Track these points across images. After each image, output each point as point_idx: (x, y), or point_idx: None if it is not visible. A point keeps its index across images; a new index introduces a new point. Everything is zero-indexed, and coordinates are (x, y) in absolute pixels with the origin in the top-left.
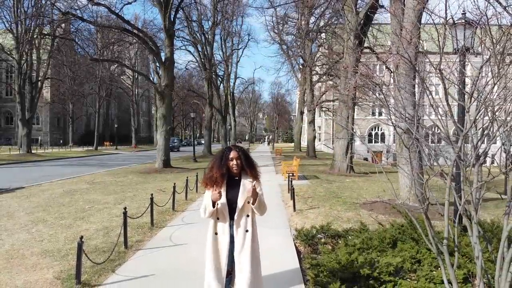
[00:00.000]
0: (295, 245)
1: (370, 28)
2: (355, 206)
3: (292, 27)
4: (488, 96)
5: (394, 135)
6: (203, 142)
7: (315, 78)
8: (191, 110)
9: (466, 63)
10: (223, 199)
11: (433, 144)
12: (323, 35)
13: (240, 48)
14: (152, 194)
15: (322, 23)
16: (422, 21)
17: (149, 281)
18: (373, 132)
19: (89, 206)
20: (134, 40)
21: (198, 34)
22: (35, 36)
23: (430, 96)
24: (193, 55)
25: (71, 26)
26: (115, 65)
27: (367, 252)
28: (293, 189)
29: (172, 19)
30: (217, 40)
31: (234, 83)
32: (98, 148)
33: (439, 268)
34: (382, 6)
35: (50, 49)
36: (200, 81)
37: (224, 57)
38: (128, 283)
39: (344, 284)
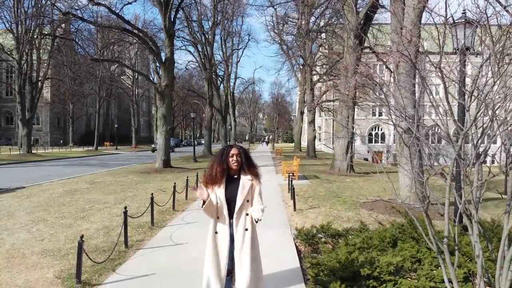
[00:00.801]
0: (295, 244)
1: (370, 28)
2: (355, 205)
3: (292, 27)
4: (488, 94)
5: (394, 135)
6: (203, 142)
7: (315, 78)
8: (191, 110)
9: (466, 62)
10: (222, 198)
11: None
12: (323, 35)
13: (240, 48)
14: (152, 194)
15: (322, 23)
16: (423, 21)
17: (150, 280)
18: (373, 132)
19: (90, 206)
20: (134, 40)
21: (198, 34)
22: (35, 36)
23: (430, 96)
24: (193, 55)
25: (71, 26)
26: (115, 65)
27: (367, 251)
28: (294, 188)
29: (172, 19)
30: (217, 40)
31: (234, 83)
32: (98, 148)
33: (440, 267)
34: (382, 6)
35: (50, 49)
36: (200, 81)
37: (224, 57)
38: (128, 282)
39: (344, 283)
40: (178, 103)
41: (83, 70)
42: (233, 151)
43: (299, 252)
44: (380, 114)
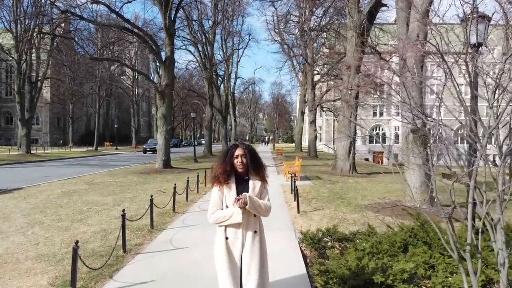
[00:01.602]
0: (300, 248)
1: (373, 28)
2: (360, 207)
3: (293, 26)
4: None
5: (403, 135)
6: (203, 142)
7: (316, 77)
8: (192, 110)
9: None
10: (234, 199)
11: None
12: (324, 34)
13: (241, 48)
14: (152, 196)
15: (323, 23)
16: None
17: (149, 287)
18: (374, 132)
19: (88, 208)
20: (134, 39)
21: (198, 34)
22: (34, 35)
23: (452, 92)
24: (194, 55)
25: (70, 25)
26: (115, 65)
27: (377, 256)
28: (297, 190)
29: (172, 18)
30: (217, 40)
31: (235, 83)
32: (98, 148)
33: (455, 274)
34: (385, 5)
35: (49, 48)
36: (200, 81)
37: (225, 57)
38: None
39: None
40: (179, 103)
41: (82, 70)
42: (238, 151)
43: (304, 257)
44: (381, 114)
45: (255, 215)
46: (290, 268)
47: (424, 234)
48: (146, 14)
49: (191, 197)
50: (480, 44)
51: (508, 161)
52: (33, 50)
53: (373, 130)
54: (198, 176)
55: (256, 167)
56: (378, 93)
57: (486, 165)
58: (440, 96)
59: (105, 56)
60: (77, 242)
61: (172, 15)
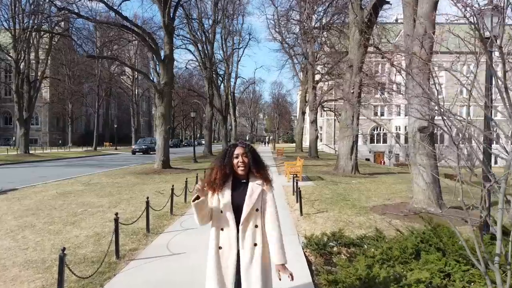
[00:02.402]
0: (304, 254)
1: (375, 28)
2: (365, 209)
3: (294, 25)
4: None
5: (412, 134)
6: (203, 142)
7: (317, 77)
8: (192, 110)
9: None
10: (228, 206)
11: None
12: (325, 34)
13: (241, 48)
14: (147, 198)
15: (324, 21)
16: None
17: None
18: (375, 133)
19: (82, 210)
20: (133, 38)
21: (198, 33)
22: (33, 34)
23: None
24: (193, 54)
25: (69, 24)
26: (115, 65)
27: (388, 264)
28: (300, 191)
29: (171, 15)
30: (217, 39)
31: (235, 83)
32: (98, 148)
33: (472, 283)
34: (388, 2)
35: (48, 47)
36: (200, 81)
37: (225, 57)
38: None
39: None
40: (178, 103)
41: (82, 69)
42: (238, 150)
43: (309, 263)
44: (382, 114)
45: (256, 225)
46: (295, 276)
47: (437, 239)
48: (145, 13)
49: (189, 198)
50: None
51: None
52: (32, 49)
53: (373, 130)
54: (197, 176)
55: (258, 167)
56: (379, 92)
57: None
58: (470, 91)
59: (105, 55)
60: (64, 249)
61: (172, 13)
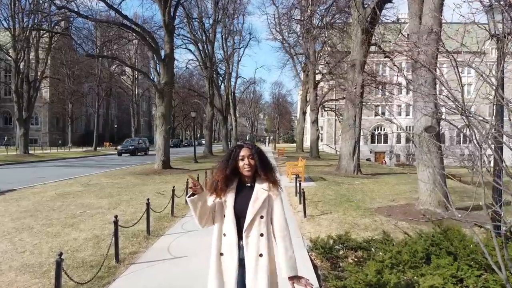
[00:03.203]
0: (310, 258)
1: (377, 27)
2: (370, 211)
3: (295, 24)
4: None
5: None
6: (203, 142)
7: (318, 77)
8: (192, 110)
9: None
10: (230, 211)
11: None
12: (326, 33)
13: (242, 47)
14: (148, 199)
15: (326, 21)
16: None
17: None
18: (376, 133)
19: (81, 211)
20: (133, 37)
21: (198, 32)
22: (33, 33)
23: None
24: (194, 54)
25: (69, 24)
26: (115, 65)
27: (398, 269)
28: (304, 192)
29: (172, 14)
30: (218, 39)
31: (235, 83)
32: (98, 148)
33: None
34: (390, 1)
35: (48, 47)
36: (201, 81)
37: (225, 56)
38: None
39: None
40: (179, 103)
41: (82, 69)
42: (244, 152)
43: (315, 267)
44: (383, 114)
45: (261, 234)
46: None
47: (447, 243)
48: (146, 12)
49: None
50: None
51: None
52: (32, 49)
53: (374, 130)
54: (198, 177)
55: (266, 169)
56: (380, 91)
57: None
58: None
59: (105, 55)
60: (61, 254)
61: (172, 12)
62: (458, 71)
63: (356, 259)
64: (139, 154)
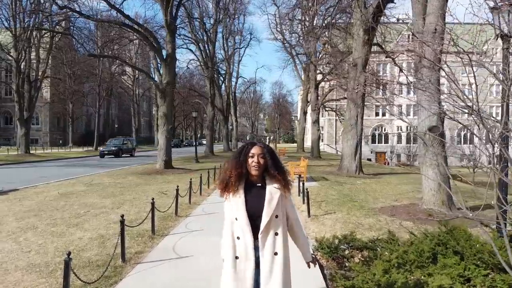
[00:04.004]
0: (316, 258)
1: (378, 27)
2: (374, 211)
3: (296, 24)
4: None
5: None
6: (204, 142)
7: (319, 77)
8: (193, 109)
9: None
10: (242, 212)
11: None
12: (327, 33)
13: (242, 47)
14: (153, 199)
15: (327, 21)
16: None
17: None
18: (377, 133)
19: (85, 211)
20: (135, 37)
21: (199, 32)
22: (34, 33)
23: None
24: (195, 54)
25: (70, 24)
26: (116, 65)
27: (405, 268)
28: (308, 192)
29: (174, 14)
30: (218, 39)
31: (236, 83)
32: (99, 148)
33: None
34: (392, 1)
35: (49, 46)
36: (201, 81)
37: (226, 56)
38: None
39: None
40: (179, 102)
41: (83, 69)
42: (255, 150)
43: (321, 267)
44: (384, 114)
45: (276, 233)
46: (307, 281)
47: (454, 242)
48: (147, 12)
49: (194, 199)
50: None
51: None
52: (33, 49)
53: (375, 130)
54: (201, 177)
55: (277, 169)
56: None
57: None
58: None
59: (106, 55)
60: (69, 253)
61: (174, 12)
62: (473, 71)
63: (362, 259)
64: (123, 155)
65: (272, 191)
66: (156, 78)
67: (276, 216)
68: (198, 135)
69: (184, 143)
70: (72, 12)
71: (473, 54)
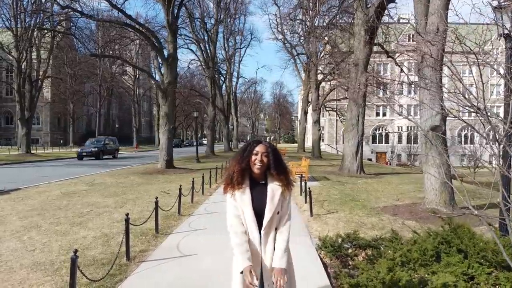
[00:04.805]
0: (319, 256)
1: (379, 27)
2: (376, 210)
3: (297, 24)
4: None
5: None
6: (205, 142)
7: (320, 77)
8: (193, 109)
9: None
10: (249, 210)
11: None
12: (328, 33)
13: (243, 47)
14: (156, 198)
15: (327, 21)
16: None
17: None
18: (377, 133)
19: (88, 210)
20: (136, 37)
21: (200, 32)
22: (35, 33)
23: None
24: (195, 54)
25: (71, 24)
26: (117, 65)
27: (409, 267)
28: (310, 192)
29: (175, 14)
30: (219, 39)
31: (237, 83)
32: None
33: (498, 286)
34: (393, 1)
35: (50, 47)
36: (202, 81)
37: (227, 56)
38: None
39: None
40: (180, 102)
41: (83, 69)
42: (259, 148)
43: (325, 265)
44: (384, 114)
45: (276, 228)
46: (311, 279)
47: (457, 241)
48: (148, 12)
49: (196, 198)
50: None
51: None
52: (34, 49)
53: (376, 130)
54: (203, 176)
55: (279, 168)
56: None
57: None
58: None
59: (108, 54)
60: (76, 251)
61: (175, 12)
62: (480, 69)
63: (366, 257)
64: (105, 157)
65: (274, 188)
66: (157, 78)
67: (277, 213)
68: (199, 135)
69: (184, 143)
70: (73, 12)
71: (478, 53)
